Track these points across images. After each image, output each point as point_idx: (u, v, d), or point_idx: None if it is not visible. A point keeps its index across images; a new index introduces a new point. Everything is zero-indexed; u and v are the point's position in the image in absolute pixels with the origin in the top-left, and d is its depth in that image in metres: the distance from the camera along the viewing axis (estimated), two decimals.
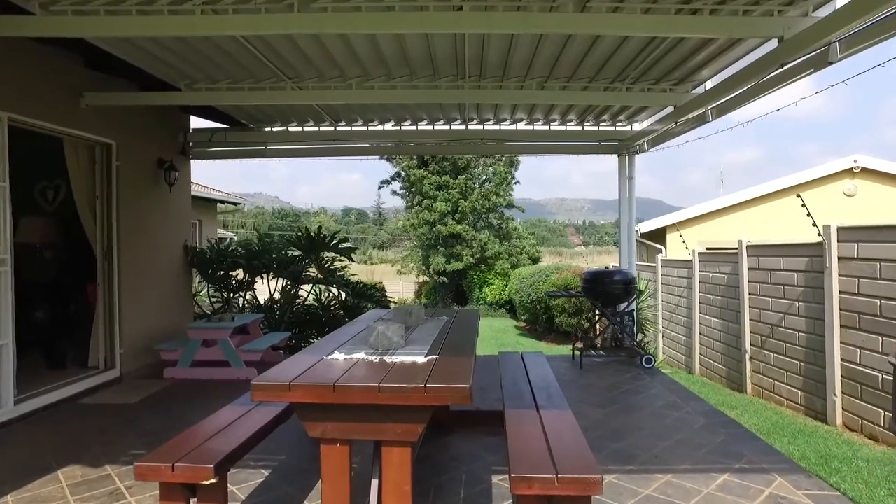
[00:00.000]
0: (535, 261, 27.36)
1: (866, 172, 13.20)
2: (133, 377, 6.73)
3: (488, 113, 7.46)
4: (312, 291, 9.73)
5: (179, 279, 7.98)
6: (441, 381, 2.62)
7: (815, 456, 5.23)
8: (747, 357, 8.26)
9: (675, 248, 13.88)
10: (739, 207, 13.83)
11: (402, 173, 26.10)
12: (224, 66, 5.68)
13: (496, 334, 17.53)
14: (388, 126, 7.87)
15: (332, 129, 7.88)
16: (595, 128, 7.88)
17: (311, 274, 9.54)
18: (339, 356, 3.17)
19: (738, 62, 5.34)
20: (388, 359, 3.08)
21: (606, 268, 7.30)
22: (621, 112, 7.35)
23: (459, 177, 25.35)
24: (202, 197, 13.80)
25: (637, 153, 7.88)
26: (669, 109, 6.68)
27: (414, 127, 7.85)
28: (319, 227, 9.16)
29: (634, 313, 7.58)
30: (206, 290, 9.53)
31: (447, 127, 7.83)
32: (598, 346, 7.51)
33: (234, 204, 14.87)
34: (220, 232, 17.28)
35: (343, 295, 9.10)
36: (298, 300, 9.65)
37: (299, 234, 9.15)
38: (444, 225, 24.86)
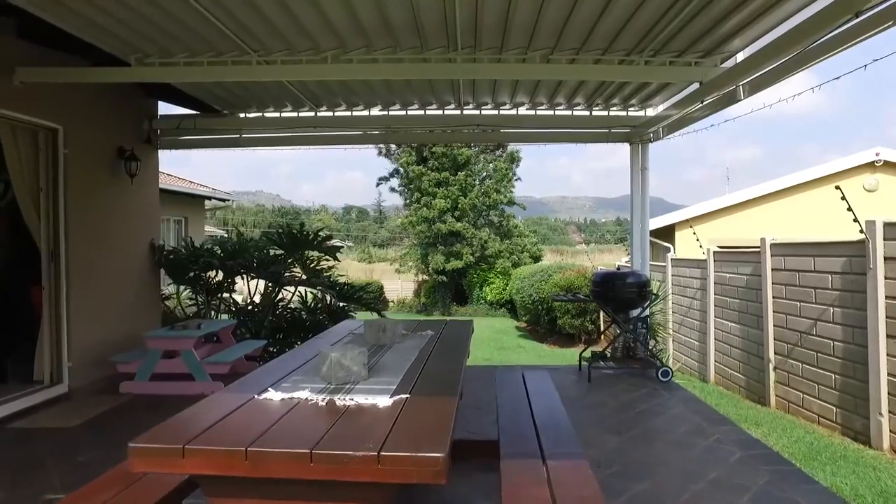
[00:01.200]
0: (536, 259, 26.50)
1: (889, 166, 12.30)
2: (84, 393, 5.89)
3: (485, 95, 6.60)
4: (297, 293, 8.91)
5: (144, 282, 7.13)
6: (404, 446, 1.77)
7: (870, 493, 4.36)
8: (771, 367, 7.39)
9: (685, 246, 13.00)
10: (751, 204, 12.95)
11: (401, 170, 25.24)
12: (179, 36, 4.83)
13: (496, 335, 16.69)
14: (375, 111, 7.01)
15: (312, 114, 7.02)
16: (605, 113, 7.01)
17: (297, 274, 8.71)
18: (274, 395, 2.31)
19: (777, 28, 4.47)
20: (340, 399, 2.24)
21: (618, 269, 6.43)
22: (634, 94, 6.48)
23: (459, 173, 24.48)
24: (187, 193, 12.96)
25: (651, 141, 7.00)
26: (691, 89, 5.82)
27: (403, 112, 6.99)
28: (302, 224, 8.31)
29: (648, 319, 6.71)
30: (186, 292, 8.71)
31: (440, 112, 6.97)
32: (609, 356, 6.65)
33: (223, 200, 14.03)
34: (209, 230, 16.45)
35: (328, 298, 8.24)
36: (282, 303, 8.82)
37: (280, 231, 8.31)
38: (443, 223, 24.00)
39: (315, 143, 7.31)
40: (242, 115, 7.17)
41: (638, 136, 7.00)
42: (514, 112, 6.98)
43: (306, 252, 8.54)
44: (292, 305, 8.92)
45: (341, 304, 8.71)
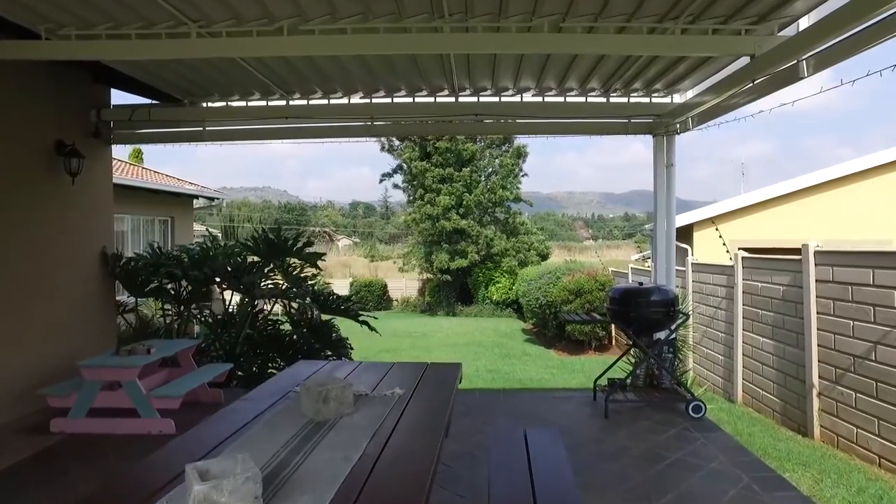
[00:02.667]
0: (543, 257, 25.38)
1: None
2: (6, 433, 4.90)
3: (483, 79, 5.53)
4: (280, 303, 7.92)
5: (93, 296, 6.14)
6: None
7: None
8: (814, 392, 6.30)
9: (704, 247, 11.88)
10: (777, 202, 11.77)
11: (404, 166, 24.17)
12: (99, 3, 3.80)
13: (502, 340, 15.64)
14: (356, 99, 5.97)
15: (283, 103, 5.98)
16: (624, 100, 5.91)
17: (279, 282, 7.71)
18: None
19: None
20: None
21: (640, 284, 5.35)
22: (660, 76, 5.38)
23: (464, 169, 23.38)
24: (171, 191, 11.98)
25: (678, 133, 5.91)
26: (731, 69, 4.73)
27: (388, 100, 5.93)
28: (279, 229, 7.29)
29: (675, 342, 5.64)
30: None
31: (431, 100, 5.90)
32: (629, 384, 5.58)
33: (210, 199, 13.05)
34: (198, 229, 15.47)
35: (309, 311, 7.22)
36: (262, 314, 7.82)
37: (255, 236, 7.29)
38: (447, 220, 22.92)
39: (287, 136, 6.26)
40: (205, 104, 6.14)
41: (663, 126, 5.91)
42: (517, 99, 5.89)
43: (287, 259, 7.54)
44: (274, 317, 7.93)
45: (322, 321, 7.70)
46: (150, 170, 13.67)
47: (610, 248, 47.43)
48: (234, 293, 7.38)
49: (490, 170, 24.44)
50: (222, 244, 7.64)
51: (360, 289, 26.97)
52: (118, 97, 6.39)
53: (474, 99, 5.87)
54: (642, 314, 5.18)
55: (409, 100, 5.89)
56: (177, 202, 12.58)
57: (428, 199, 23.17)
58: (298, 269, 7.88)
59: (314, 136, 6.28)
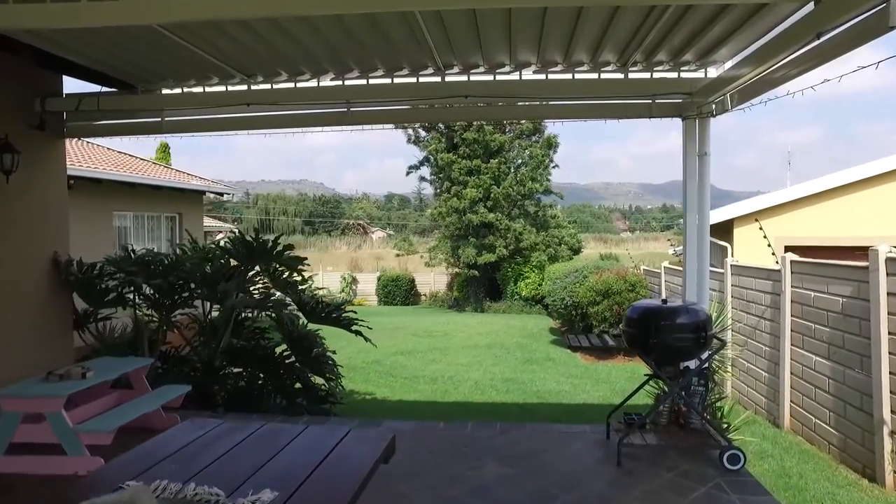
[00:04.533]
0: (575, 252, 24.08)
1: None
2: None
3: (471, 52, 4.49)
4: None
5: (43, 309, 5.40)
6: None
7: None
8: (886, 430, 5.07)
9: (745, 246, 10.53)
10: (833, 195, 10.30)
11: (431, 158, 23.19)
12: None
13: (526, 341, 14.56)
14: (326, 81, 5.01)
15: (244, 87, 5.08)
16: (646, 75, 4.77)
17: (265, 286, 6.90)
18: None
19: None
20: None
21: (664, 301, 4.24)
22: (690, 43, 4.22)
23: (492, 161, 22.23)
24: (175, 187, 11.32)
25: (713, 115, 4.74)
26: (782, 28, 3.57)
27: (363, 81, 4.95)
28: (257, 231, 6.44)
29: (708, 373, 4.52)
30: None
31: (412, 80, 4.89)
32: (648, 422, 4.50)
33: (220, 194, 12.37)
34: (211, 224, 14.85)
35: (287, 322, 6.34)
36: (248, 321, 7.03)
37: (232, 239, 6.46)
38: (474, 213, 21.85)
39: (256, 125, 5.37)
40: (162, 91, 5.29)
41: (695, 107, 4.75)
42: (515, 77, 4.82)
43: (273, 263, 6.69)
44: (263, 324, 7.13)
45: (308, 330, 6.83)
46: (152, 161, 13.08)
47: (647, 241, 45.50)
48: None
49: (519, 161, 23.23)
50: (202, 247, 6.83)
51: (387, 283, 26.23)
52: (76, 86, 5.62)
53: (463, 78, 4.83)
54: (665, 341, 4.09)
55: (387, 80, 4.90)
56: (184, 198, 11.95)
57: (455, 192, 22.15)
58: (288, 274, 7.05)
59: (284, 125, 5.37)
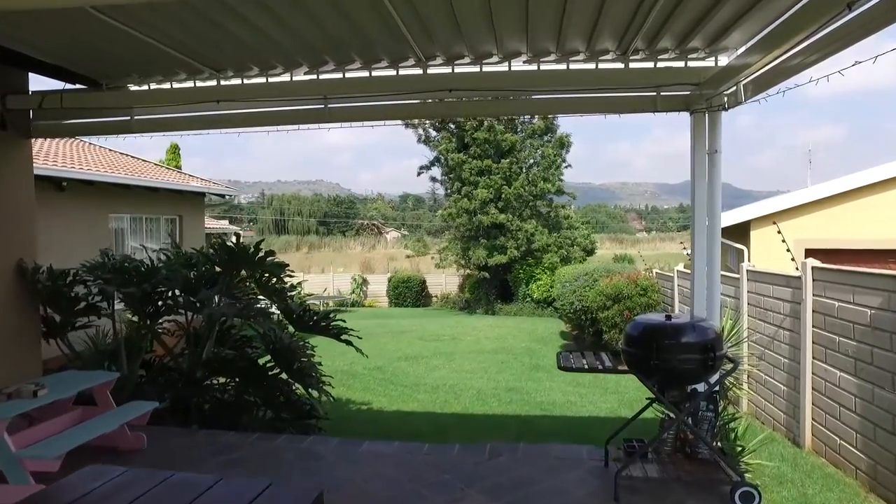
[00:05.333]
0: (589, 252, 23.46)
1: None
2: None
3: (453, 40, 4.02)
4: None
5: (4, 320, 5.05)
6: None
7: None
8: None
9: (763, 249, 9.92)
10: (857, 195, 9.64)
11: (441, 158, 22.74)
12: None
13: (535, 345, 14.06)
14: (300, 76, 4.57)
15: (213, 83, 4.67)
16: (649, 64, 4.27)
17: (251, 292, 6.53)
18: None
19: None
20: None
21: (668, 318, 3.74)
22: (696, 28, 3.71)
23: (503, 161, 21.72)
24: (174, 189, 11.01)
25: (725, 108, 4.21)
26: (800, 4, 3.06)
27: (339, 76, 4.51)
28: (238, 236, 6.04)
29: (718, 397, 4.00)
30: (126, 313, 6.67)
31: (392, 73, 4.44)
32: (651, 451, 4.00)
33: (221, 196, 12.05)
34: (213, 226, 14.55)
35: (270, 333, 5.93)
36: (234, 331, 6.65)
37: (212, 244, 6.08)
38: (485, 214, 21.37)
39: (230, 124, 4.96)
40: (130, 87, 4.90)
41: (704, 99, 4.24)
42: (504, 68, 4.34)
43: (259, 270, 6.30)
44: (251, 332, 6.75)
45: (296, 339, 6.43)
46: (162, 166, 12.81)
47: (664, 241, 44.52)
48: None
49: (531, 161, 22.68)
50: (183, 253, 6.46)
51: (397, 284, 25.83)
52: (47, 84, 5.25)
53: (447, 70, 4.36)
54: (669, 362, 3.59)
55: (364, 73, 4.45)
56: (184, 200, 11.65)
57: (465, 193, 21.68)
58: (276, 280, 6.67)
59: (259, 123, 4.95)
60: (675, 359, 3.60)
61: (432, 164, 23.51)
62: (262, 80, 4.61)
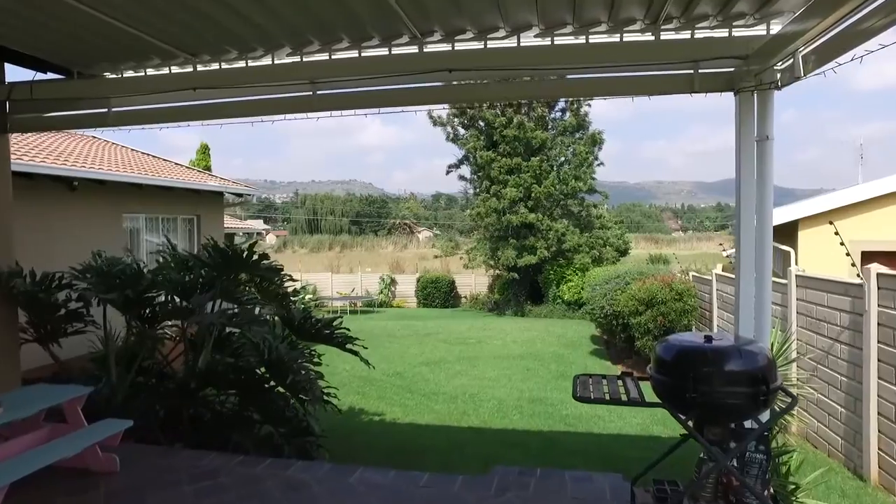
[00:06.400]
0: (622, 253, 22.48)
1: None
2: None
3: (455, 14, 3.39)
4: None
5: None
6: None
7: None
8: None
9: (813, 251, 8.96)
10: None
11: (470, 156, 22.10)
12: None
13: (564, 351, 13.30)
14: (282, 58, 4.01)
15: (190, 69, 4.14)
16: (685, 35, 3.54)
17: (249, 295, 6.04)
18: None
19: None
20: None
21: (708, 340, 3.02)
22: None
23: (533, 159, 20.94)
24: (190, 188, 10.68)
25: (779, 86, 3.45)
26: None
27: (325, 56, 3.92)
28: (231, 238, 5.54)
29: (769, 437, 3.26)
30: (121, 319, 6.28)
31: (384, 51, 3.83)
32: (686, 496, 3.28)
33: (239, 195, 11.69)
34: (240, 225, 14.24)
35: (261, 343, 5.39)
36: (235, 337, 6.19)
37: (206, 246, 5.59)
38: (514, 213, 20.63)
39: (209, 115, 4.44)
40: (106, 76, 4.43)
41: (752, 76, 3.49)
42: (512, 44, 3.68)
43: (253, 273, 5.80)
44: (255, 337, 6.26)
45: (298, 344, 5.90)
46: (184, 166, 12.54)
47: (700, 241, 42.80)
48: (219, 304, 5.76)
49: (562, 159, 21.83)
50: (179, 255, 6.00)
51: (426, 285, 25.30)
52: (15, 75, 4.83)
53: (446, 47, 3.72)
54: (710, 396, 2.88)
55: (354, 53, 3.85)
56: (202, 199, 11.31)
57: (494, 192, 20.98)
58: (277, 284, 6.18)
59: (242, 113, 4.41)
60: (718, 392, 2.89)
61: (461, 162, 22.89)
62: (241, 63, 4.07)
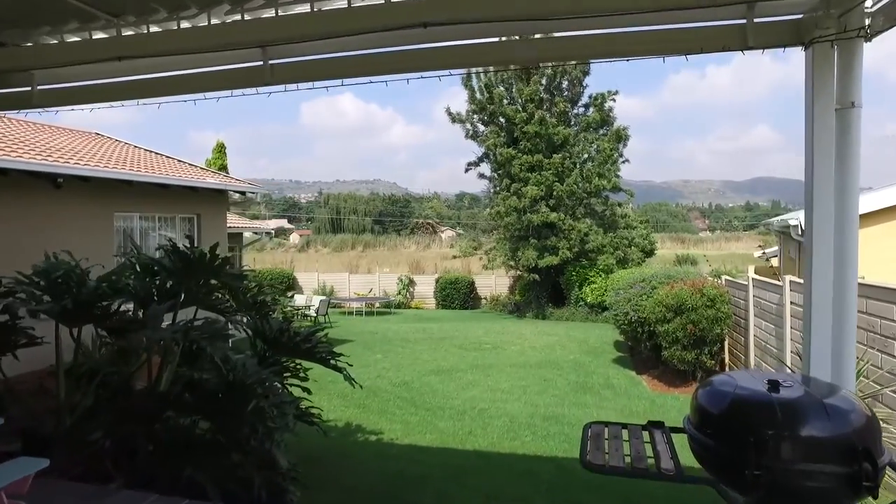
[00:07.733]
0: (648, 253, 21.27)
1: None
2: None
3: None
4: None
5: None
6: None
7: None
8: None
9: (871, 256, 7.78)
10: None
11: (490, 153, 21.13)
12: None
13: (585, 358, 12.28)
14: (221, 17, 3.16)
15: (113, 33, 3.33)
16: None
17: (222, 304, 5.26)
18: None
19: None
20: None
21: (774, 387, 2.06)
22: None
23: (555, 156, 19.87)
24: (188, 186, 10.01)
25: (867, 36, 2.48)
26: None
27: (272, 12, 3.06)
28: (191, 240, 4.76)
29: None
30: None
31: (343, 4, 2.95)
32: None
33: (241, 193, 10.98)
34: (239, 225, 13.57)
35: (227, 361, 4.57)
36: (207, 353, 5.39)
37: (165, 249, 4.81)
38: (535, 213, 19.60)
39: (142, 92, 3.63)
40: (23, 45, 3.66)
41: (830, 21, 2.51)
42: None
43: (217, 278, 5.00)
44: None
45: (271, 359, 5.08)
46: (186, 162, 11.89)
47: (728, 241, 41.00)
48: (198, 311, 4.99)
49: (585, 156, 20.70)
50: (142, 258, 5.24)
51: (445, 286, 24.42)
52: None
53: None
54: (781, 475, 1.93)
55: (306, 7, 2.99)
56: (202, 197, 10.64)
57: (514, 190, 19.99)
58: (254, 290, 5.40)
59: (181, 90, 3.57)
60: (794, 470, 1.94)
61: (481, 160, 21.93)
62: (172, 25, 3.24)
